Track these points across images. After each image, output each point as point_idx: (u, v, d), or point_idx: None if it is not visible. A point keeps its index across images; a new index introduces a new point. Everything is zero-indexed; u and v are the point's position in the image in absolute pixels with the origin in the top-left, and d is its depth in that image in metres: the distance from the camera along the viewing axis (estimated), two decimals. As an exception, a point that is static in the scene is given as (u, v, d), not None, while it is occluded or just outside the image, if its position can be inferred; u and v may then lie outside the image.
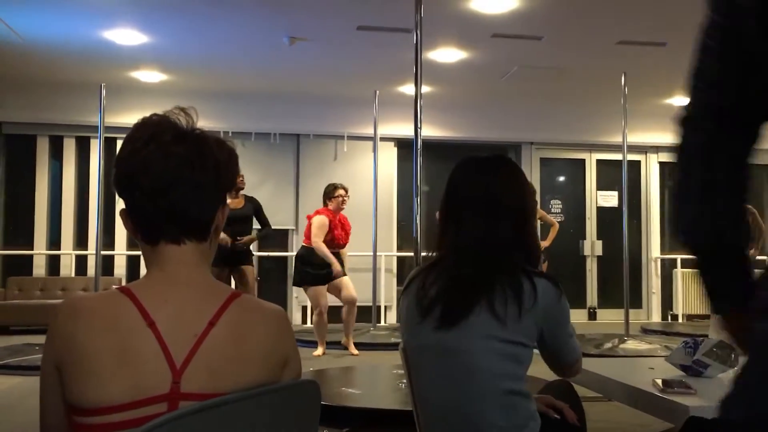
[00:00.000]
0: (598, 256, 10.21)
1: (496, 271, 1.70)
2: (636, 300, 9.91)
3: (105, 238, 7.46)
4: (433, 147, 8.58)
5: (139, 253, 1.20)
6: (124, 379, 1.06)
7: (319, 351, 6.42)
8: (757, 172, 10.48)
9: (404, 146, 9.40)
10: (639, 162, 10.34)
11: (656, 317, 10.21)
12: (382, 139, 8.81)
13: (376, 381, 5.30)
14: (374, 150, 8.37)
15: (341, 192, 6.40)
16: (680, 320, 9.96)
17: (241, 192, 6.36)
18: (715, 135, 1.04)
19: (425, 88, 5.56)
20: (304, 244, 6.42)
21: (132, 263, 9.03)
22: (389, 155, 9.58)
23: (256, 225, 6.61)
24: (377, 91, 8.24)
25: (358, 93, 8.69)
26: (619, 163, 7.74)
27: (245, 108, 9.12)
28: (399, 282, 9.58)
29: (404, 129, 8.67)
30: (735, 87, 1.01)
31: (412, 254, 4.58)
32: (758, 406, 0.84)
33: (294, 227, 9.25)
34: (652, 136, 10.19)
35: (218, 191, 1.21)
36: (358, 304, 6.52)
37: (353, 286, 6.42)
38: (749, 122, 1.04)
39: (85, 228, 8.95)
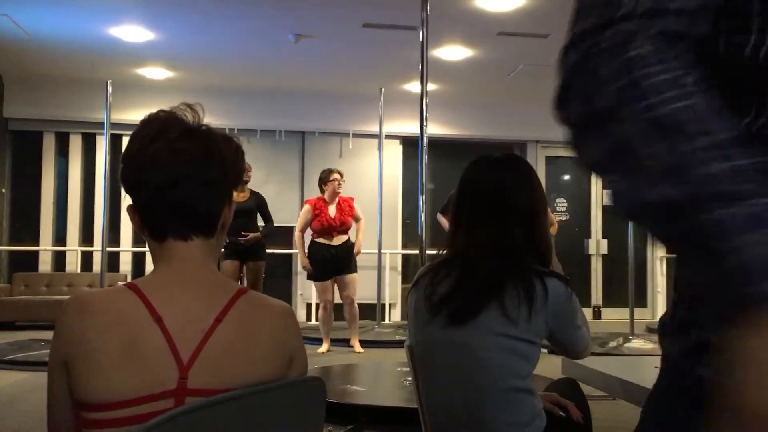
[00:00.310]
0: (603, 255, 10.19)
1: (507, 273, 1.70)
2: (641, 299, 9.89)
3: (111, 234, 7.48)
4: (438, 145, 8.57)
5: (145, 249, 1.20)
6: (131, 375, 1.07)
7: (324, 348, 6.42)
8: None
9: (409, 144, 9.40)
10: (645, 161, 10.30)
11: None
12: (388, 136, 8.81)
13: (381, 378, 5.31)
14: (379, 147, 8.37)
15: (336, 176, 6.39)
16: (685, 319, 9.92)
17: (247, 186, 6.36)
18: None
19: (431, 86, 5.55)
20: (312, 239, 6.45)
21: (137, 260, 9.05)
22: (394, 153, 9.58)
23: (260, 221, 6.60)
24: (383, 89, 8.24)
25: (364, 90, 8.69)
26: (624, 161, 7.70)
27: (251, 105, 9.13)
28: (404, 280, 9.59)
29: (410, 127, 8.67)
30: None
31: (417, 252, 4.58)
32: None
33: (299, 224, 9.25)
34: (658, 135, 10.17)
35: (225, 187, 1.21)
36: (363, 301, 6.52)
37: (356, 285, 6.41)
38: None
39: (91, 224, 8.98)
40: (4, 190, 8.94)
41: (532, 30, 6.85)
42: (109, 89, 6.51)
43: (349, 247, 6.34)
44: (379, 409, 3.95)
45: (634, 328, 7.41)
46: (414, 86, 8.17)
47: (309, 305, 9.09)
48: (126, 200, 1.20)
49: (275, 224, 6.73)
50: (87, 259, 9.01)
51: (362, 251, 6.51)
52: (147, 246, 1.23)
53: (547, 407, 1.79)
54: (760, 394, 0.55)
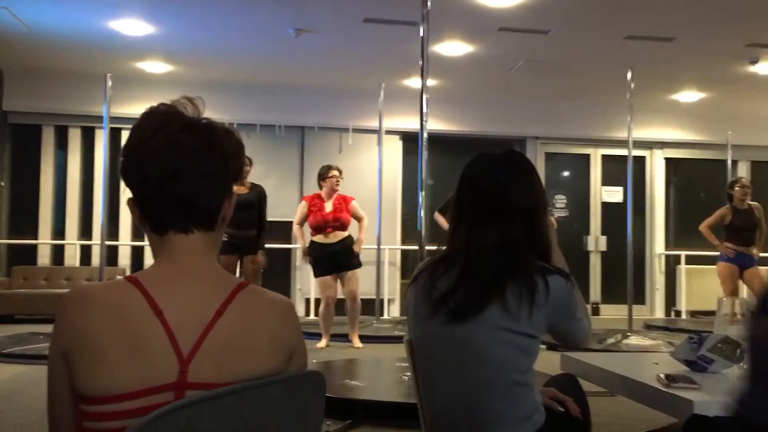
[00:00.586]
0: (602, 252, 10.20)
1: (509, 270, 1.70)
2: (639, 296, 9.90)
3: (110, 228, 7.48)
4: (438, 140, 8.56)
5: (144, 243, 1.20)
6: (131, 368, 1.07)
7: (323, 343, 6.43)
8: (764, 168, 10.46)
9: (409, 139, 9.39)
10: (644, 158, 10.31)
11: (659, 313, 10.21)
12: (387, 132, 8.80)
13: (380, 373, 5.31)
14: (379, 143, 8.37)
15: (335, 173, 6.40)
16: (683, 316, 9.95)
17: (247, 180, 6.36)
18: None
19: (431, 82, 5.53)
20: None
21: (136, 253, 9.05)
22: (394, 148, 9.57)
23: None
24: (383, 84, 8.23)
25: (364, 86, 8.68)
26: (624, 158, 7.73)
27: (250, 99, 9.12)
28: (403, 275, 9.59)
29: (409, 122, 8.66)
30: None
31: (416, 248, 4.58)
32: None
33: (298, 219, 9.25)
34: (658, 132, 10.17)
35: (226, 181, 1.21)
36: (362, 297, 6.52)
37: (359, 281, 6.41)
38: None
39: (90, 218, 8.98)
40: (3, 184, 8.94)
41: (533, 26, 6.84)
42: (109, 83, 6.51)
43: (348, 245, 6.33)
44: (378, 404, 3.95)
45: (633, 324, 7.42)
46: (414, 82, 8.16)
47: (307, 300, 9.09)
48: (125, 194, 1.20)
49: (273, 219, 6.72)
50: (86, 252, 9.01)
51: (362, 247, 6.50)
52: (146, 240, 1.22)
53: (546, 402, 1.79)
54: None
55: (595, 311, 10.08)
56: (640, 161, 10.06)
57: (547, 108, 9.70)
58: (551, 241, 1.83)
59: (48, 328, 1.17)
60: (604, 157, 10.32)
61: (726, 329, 2.22)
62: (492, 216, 1.76)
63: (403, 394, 4.15)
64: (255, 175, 6.50)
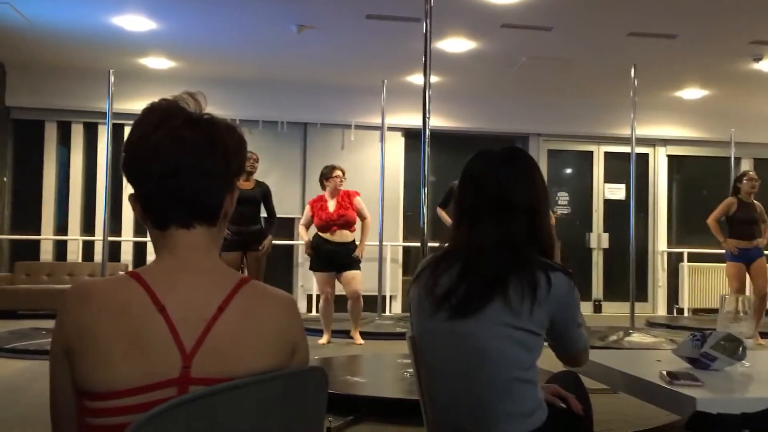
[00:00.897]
0: (605, 249, 10.19)
1: (510, 267, 1.70)
2: (642, 293, 9.89)
3: (112, 224, 7.49)
4: (440, 137, 8.55)
5: (146, 239, 1.20)
6: (133, 364, 1.07)
7: (324, 339, 6.43)
8: (767, 166, 10.44)
9: (412, 136, 9.39)
10: (647, 155, 10.29)
11: (662, 311, 10.20)
12: (390, 128, 8.80)
13: (382, 370, 5.31)
14: (381, 140, 8.36)
15: (338, 173, 6.42)
16: (686, 314, 9.94)
17: (252, 176, 6.36)
18: None
19: (434, 78, 5.53)
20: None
21: (139, 249, 9.06)
22: (396, 145, 9.56)
23: (262, 212, 6.59)
24: (385, 81, 8.22)
25: (366, 82, 8.67)
26: (627, 155, 7.71)
27: (253, 96, 9.11)
28: (405, 272, 9.60)
29: (412, 119, 8.66)
30: None
31: (418, 244, 4.57)
32: None
33: (300, 216, 9.23)
34: (661, 129, 10.15)
35: (228, 177, 1.20)
36: (364, 293, 6.52)
37: (361, 281, 6.41)
38: None
39: (93, 214, 8.99)
40: (5, 179, 8.94)
41: (536, 22, 6.83)
42: (111, 79, 6.50)
43: (350, 249, 6.32)
44: (380, 400, 3.96)
45: (635, 322, 7.42)
46: (417, 78, 8.15)
47: (309, 296, 9.10)
48: (128, 189, 1.20)
49: (277, 215, 6.72)
50: (88, 248, 9.02)
51: (363, 253, 6.47)
52: (149, 236, 1.22)
53: (548, 399, 1.79)
54: None
55: (598, 308, 10.08)
56: (643, 158, 10.05)
57: (549, 105, 9.68)
58: (554, 239, 1.83)
59: (51, 324, 1.17)
60: (606, 154, 10.31)
61: (729, 327, 2.22)
62: (493, 214, 1.76)
63: (405, 390, 4.15)
64: (258, 171, 6.50)
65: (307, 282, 9.01)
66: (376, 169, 8.51)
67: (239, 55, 8.16)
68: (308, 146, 9.46)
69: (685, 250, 10.09)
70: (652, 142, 10.21)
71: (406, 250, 9.64)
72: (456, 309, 1.71)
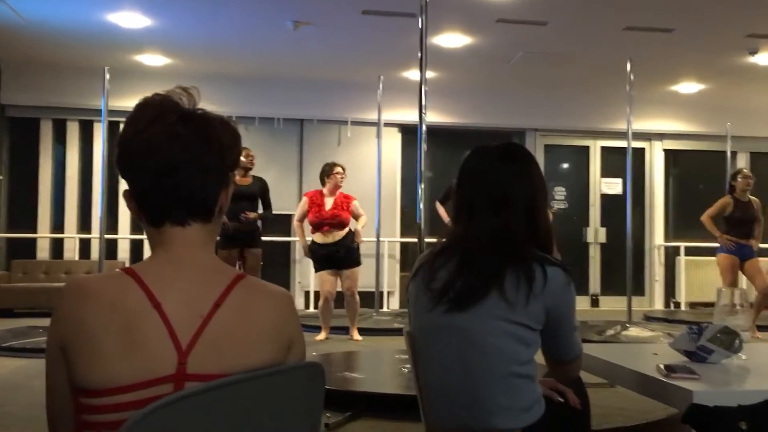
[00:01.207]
0: (602, 244, 10.20)
1: (508, 259, 1.70)
2: (639, 287, 9.91)
3: (108, 221, 7.47)
4: (437, 133, 8.55)
5: (143, 237, 1.20)
6: (129, 360, 1.06)
7: (322, 335, 6.43)
8: (763, 160, 10.45)
9: (408, 132, 9.38)
10: (643, 149, 10.30)
11: (659, 305, 10.22)
12: (386, 124, 8.79)
13: (379, 366, 5.32)
14: (378, 136, 8.36)
15: (339, 170, 6.41)
16: (683, 308, 9.97)
17: (250, 172, 6.35)
18: None
19: (430, 74, 5.53)
20: None
21: (135, 247, 9.05)
22: (393, 141, 9.56)
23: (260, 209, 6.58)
24: (381, 76, 8.21)
25: (363, 78, 8.66)
26: (623, 150, 7.72)
27: (249, 92, 9.09)
28: (402, 268, 9.60)
29: (408, 114, 8.65)
30: None
31: (415, 240, 4.58)
32: None
33: (297, 212, 9.25)
34: (657, 124, 10.16)
35: (223, 173, 1.20)
36: (361, 290, 6.52)
37: (358, 278, 6.40)
38: None
39: (89, 212, 8.97)
40: (1, 177, 8.92)
41: (532, 17, 6.82)
42: (107, 76, 6.49)
43: (347, 244, 6.31)
44: (377, 396, 3.96)
45: (632, 316, 7.43)
46: (413, 74, 8.15)
47: (307, 293, 9.11)
48: (123, 187, 1.19)
49: (273, 212, 6.72)
50: (85, 246, 9.01)
51: (361, 239, 6.48)
52: (144, 233, 1.22)
53: (546, 393, 1.79)
54: None
55: (595, 303, 10.10)
56: (639, 153, 10.06)
57: (546, 100, 9.68)
58: (552, 234, 1.83)
59: (48, 322, 1.17)
60: (603, 148, 10.31)
61: (725, 320, 2.23)
62: (491, 209, 1.77)
63: (402, 386, 4.15)
64: (254, 167, 6.49)
65: (305, 278, 9.02)
66: (372, 165, 8.51)
67: (235, 52, 8.15)
68: (305, 143, 9.45)
69: (682, 244, 10.11)
70: (649, 136, 10.21)
71: (403, 245, 9.64)
72: (453, 303, 1.71)
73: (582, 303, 9.79)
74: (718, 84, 9.11)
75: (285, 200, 8.74)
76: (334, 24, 7.15)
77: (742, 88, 9.23)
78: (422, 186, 4.37)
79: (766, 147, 10.49)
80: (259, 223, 6.32)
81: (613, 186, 10.24)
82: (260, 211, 6.45)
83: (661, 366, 1.97)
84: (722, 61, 8.12)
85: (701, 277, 9.99)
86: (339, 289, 6.47)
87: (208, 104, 1.23)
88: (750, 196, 6.87)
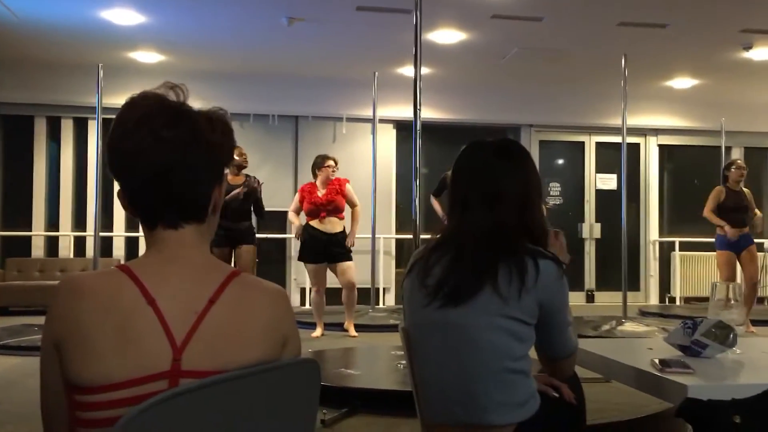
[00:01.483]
0: (597, 239, 10.22)
1: (501, 253, 1.70)
2: (634, 283, 9.94)
3: (103, 219, 7.45)
4: (432, 129, 8.55)
5: (138, 234, 1.20)
6: (124, 357, 1.06)
7: (318, 332, 6.44)
8: (757, 154, 10.48)
9: (403, 128, 9.38)
10: (638, 145, 10.32)
11: (654, 300, 10.25)
12: (381, 121, 8.78)
13: (375, 362, 5.32)
14: (373, 132, 8.35)
15: (330, 163, 6.42)
16: (678, 303, 10.00)
17: (243, 170, 6.35)
18: None
19: (425, 70, 5.52)
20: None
21: (131, 244, 9.03)
22: (388, 137, 9.55)
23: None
24: (376, 73, 8.20)
25: (357, 74, 8.65)
26: (618, 145, 7.73)
27: (243, 89, 9.07)
28: (398, 264, 9.60)
29: (403, 111, 8.64)
30: None
31: (410, 236, 4.58)
32: None
33: (293, 209, 9.23)
34: (652, 119, 10.18)
35: (214, 171, 1.20)
36: (357, 286, 6.52)
37: (354, 271, 6.41)
38: None
39: (84, 209, 8.95)
40: (-5, 175, 8.89)
41: (526, 13, 6.82)
42: (101, 73, 6.47)
43: (341, 239, 6.32)
44: (373, 392, 3.96)
45: (627, 311, 7.45)
46: (408, 70, 8.14)
47: (303, 290, 9.10)
48: (118, 185, 1.19)
49: (268, 209, 6.72)
50: (80, 244, 8.99)
51: (356, 235, 6.48)
52: (141, 230, 1.21)
53: (541, 388, 1.79)
54: None
55: (590, 298, 10.12)
56: (634, 148, 10.08)
57: (541, 95, 9.68)
58: (546, 230, 1.83)
59: (42, 320, 1.16)
60: (598, 144, 10.33)
61: (719, 314, 2.23)
62: (485, 205, 1.77)
63: (398, 382, 4.16)
64: (249, 165, 6.49)
65: (300, 275, 9.01)
66: (367, 161, 8.50)
67: (229, 48, 8.12)
68: (300, 139, 9.44)
69: (677, 240, 10.14)
70: (643, 131, 10.23)
71: (398, 242, 9.65)
72: (448, 298, 1.72)
73: (577, 298, 9.82)
74: (713, 79, 9.12)
75: (280, 197, 8.73)
76: (329, 20, 7.14)
77: (737, 84, 9.25)
78: (417, 182, 4.37)
79: (761, 142, 10.52)
80: (253, 221, 6.33)
81: (608, 181, 10.26)
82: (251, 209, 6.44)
83: (656, 360, 1.98)
84: (716, 56, 8.13)
85: (696, 272, 10.02)
86: (331, 285, 6.48)
87: (202, 101, 1.23)
88: (742, 187, 6.89)
